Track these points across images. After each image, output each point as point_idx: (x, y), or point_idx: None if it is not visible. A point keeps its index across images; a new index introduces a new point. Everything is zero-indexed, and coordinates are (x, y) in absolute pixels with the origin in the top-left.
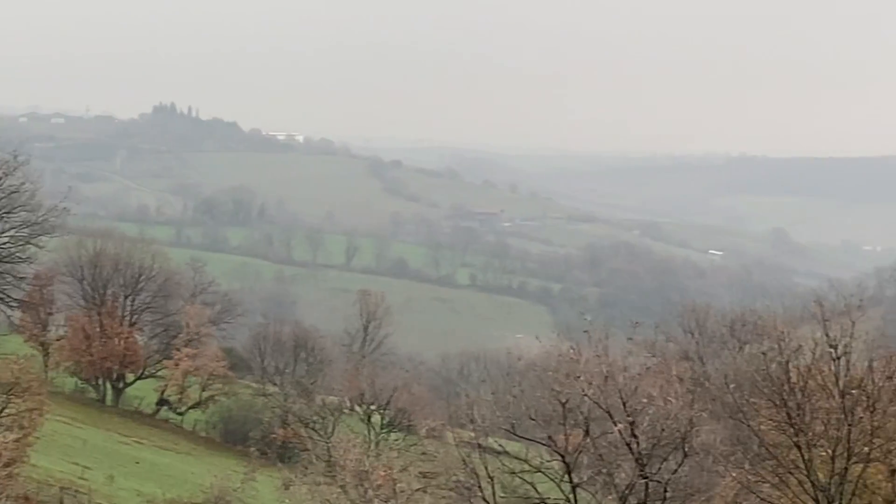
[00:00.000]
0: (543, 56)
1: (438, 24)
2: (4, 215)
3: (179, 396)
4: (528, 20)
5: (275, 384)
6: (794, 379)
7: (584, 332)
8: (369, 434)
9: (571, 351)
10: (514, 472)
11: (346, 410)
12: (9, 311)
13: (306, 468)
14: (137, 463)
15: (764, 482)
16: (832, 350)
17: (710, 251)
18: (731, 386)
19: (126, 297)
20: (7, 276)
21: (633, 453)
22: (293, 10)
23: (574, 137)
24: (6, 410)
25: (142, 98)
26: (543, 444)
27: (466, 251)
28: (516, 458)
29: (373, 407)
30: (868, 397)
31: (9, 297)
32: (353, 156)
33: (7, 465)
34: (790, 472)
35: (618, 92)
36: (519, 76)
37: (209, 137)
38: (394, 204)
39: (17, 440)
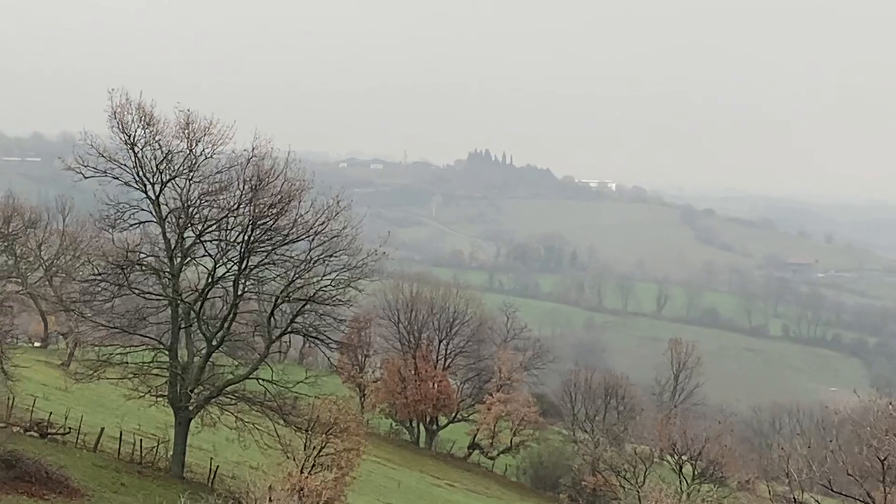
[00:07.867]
0: (844, 105)
1: (739, 79)
2: (326, 259)
3: (491, 441)
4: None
5: (585, 431)
6: None
7: None
8: (680, 485)
9: (891, 406)
10: None
11: (656, 460)
12: (329, 353)
13: None
14: None
15: None
16: None
17: None
18: None
19: (440, 341)
20: (328, 318)
21: None
22: (599, 59)
23: (888, 186)
24: (325, 449)
25: (457, 145)
26: (860, 501)
27: (779, 302)
28: None
29: (684, 457)
30: None
31: (329, 338)
32: (665, 204)
33: (326, 503)
34: None
35: None
36: (823, 125)
37: (522, 184)
38: (706, 253)
39: (335, 479)
